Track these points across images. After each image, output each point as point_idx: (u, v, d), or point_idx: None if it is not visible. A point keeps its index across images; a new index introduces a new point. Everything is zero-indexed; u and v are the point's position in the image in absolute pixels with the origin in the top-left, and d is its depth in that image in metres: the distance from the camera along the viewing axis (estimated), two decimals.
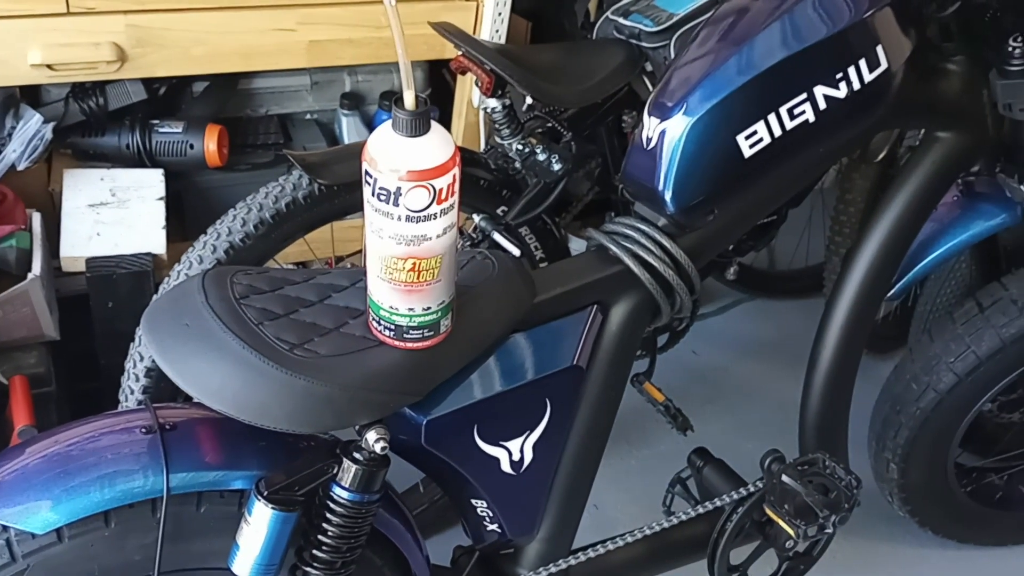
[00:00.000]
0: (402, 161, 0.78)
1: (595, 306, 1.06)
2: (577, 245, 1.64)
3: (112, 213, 1.59)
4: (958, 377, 1.47)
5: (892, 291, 1.40)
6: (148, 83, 1.68)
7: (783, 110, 1.04)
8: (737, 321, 2.26)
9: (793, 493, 1.20)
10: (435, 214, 0.80)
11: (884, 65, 1.05)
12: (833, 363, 1.30)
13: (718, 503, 1.23)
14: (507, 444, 1.03)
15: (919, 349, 1.53)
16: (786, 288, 2.29)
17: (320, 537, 0.93)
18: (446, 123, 1.92)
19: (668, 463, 1.40)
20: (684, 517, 1.22)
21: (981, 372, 1.46)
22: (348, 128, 1.89)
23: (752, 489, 1.23)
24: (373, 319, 0.89)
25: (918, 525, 1.69)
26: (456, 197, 0.82)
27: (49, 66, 1.49)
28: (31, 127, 1.56)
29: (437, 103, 1.95)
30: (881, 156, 1.78)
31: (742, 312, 2.28)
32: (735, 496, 1.23)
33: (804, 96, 1.04)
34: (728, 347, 2.18)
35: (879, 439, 1.59)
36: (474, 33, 1.73)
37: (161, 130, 1.70)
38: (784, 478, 1.20)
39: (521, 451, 1.04)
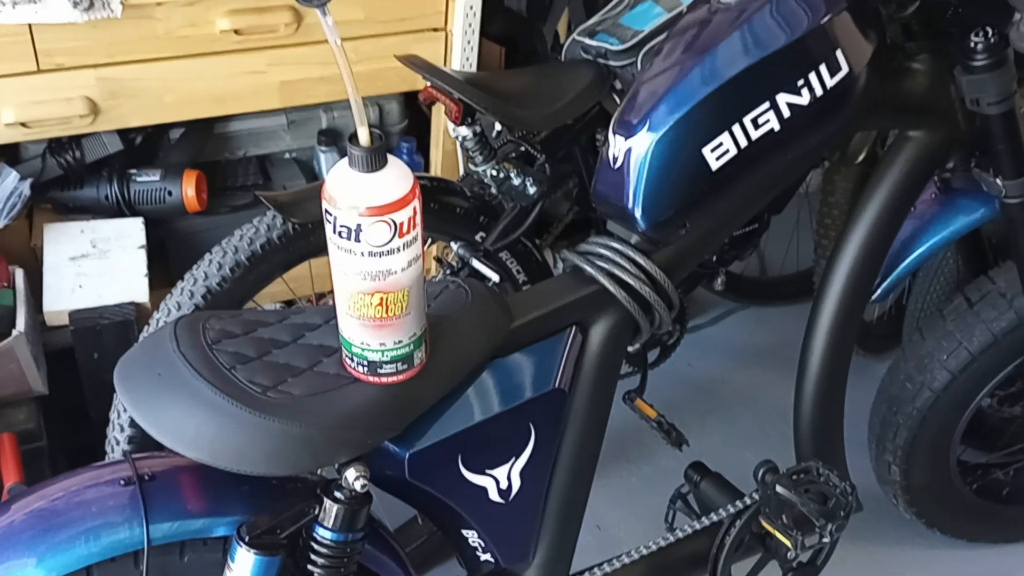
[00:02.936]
0: (360, 197, 0.78)
1: (574, 327, 1.06)
2: (562, 266, 1.64)
3: (94, 264, 1.60)
4: (952, 374, 1.46)
5: (877, 292, 1.39)
6: (124, 134, 1.69)
7: (747, 120, 1.04)
8: (731, 330, 2.25)
9: (789, 503, 1.19)
10: (398, 248, 0.80)
11: (845, 69, 1.05)
12: (822, 368, 1.30)
13: (715, 518, 1.22)
14: (493, 472, 1.02)
15: (912, 348, 1.52)
16: (779, 294, 2.29)
17: None
18: (424, 152, 1.93)
19: (669, 478, 1.39)
20: (682, 534, 1.21)
21: (975, 368, 1.45)
22: (327, 164, 1.90)
23: (748, 502, 1.22)
24: (346, 356, 0.88)
25: (925, 526, 1.67)
26: (419, 229, 0.82)
27: (23, 124, 1.51)
28: (8, 184, 1.58)
29: (415, 133, 1.95)
30: (861, 157, 1.78)
31: (736, 321, 2.28)
32: (732, 510, 1.22)
33: (767, 105, 1.04)
34: (724, 357, 2.17)
35: (879, 441, 1.58)
36: (445, 63, 1.74)
37: (139, 179, 1.71)
38: (778, 488, 1.19)
39: (508, 478, 1.03)
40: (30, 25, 1.43)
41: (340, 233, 0.79)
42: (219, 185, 1.82)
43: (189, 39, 1.54)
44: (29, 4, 1.38)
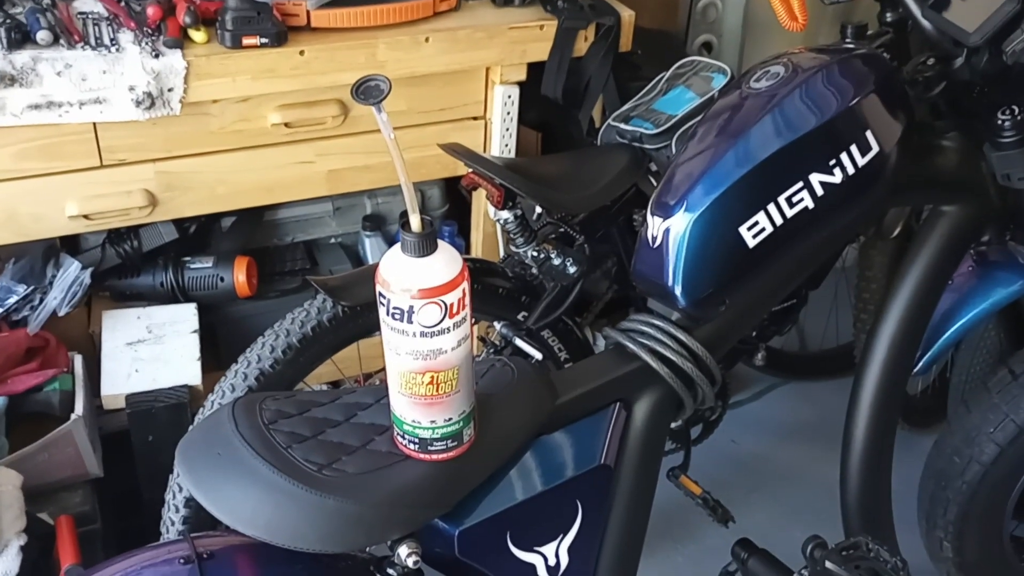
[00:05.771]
0: (413, 281, 0.82)
1: (618, 403, 1.07)
2: (602, 343, 1.66)
3: (149, 349, 1.65)
4: (1000, 447, 1.44)
5: (918, 365, 1.39)
6: (178, 223, 1.75)
7: (782, 199, 1.06)
8: (774, 406, 2.24)
9: None
10: (448, 328, 0.83)
11: (876, 148, 1.08)
12: (867, 442, 1.29)
13: None
14: (541, 549, 1.02)
15: (958, 421, 1.50)
16: (819, 369, 2.28)
17: None
18: (464, 235, 1.98)
19: (715, 556, 1.38)
20: None
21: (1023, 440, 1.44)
22: (371, 248, 1.96)
23: None
24: (397, 434, 0.91)
25: None
26: (468, 310, 0.85)
27: (86, 216, 1.57)
28: (70, 274, 1.64)
29: (455, 216, 2.01)
30: (897, 231, 1.80)
31: (778, 396, 2.27)
32: None
33: (801, 184, 1.07)
34: (767, 433, 2.16)
35: (928, 517, 1.55)
36: (484, 149, 1.80)
37: (192, 266, 1.77)
38: (828, 565, 1.18)
39: (556, 555, 1.03)
40: (95, 124, 1.51)
41: (393, 315, 0.83)
42: (267, 270, 1.87)
43: (242, 133, 1.62)
44: (94, 105, 1.46)
